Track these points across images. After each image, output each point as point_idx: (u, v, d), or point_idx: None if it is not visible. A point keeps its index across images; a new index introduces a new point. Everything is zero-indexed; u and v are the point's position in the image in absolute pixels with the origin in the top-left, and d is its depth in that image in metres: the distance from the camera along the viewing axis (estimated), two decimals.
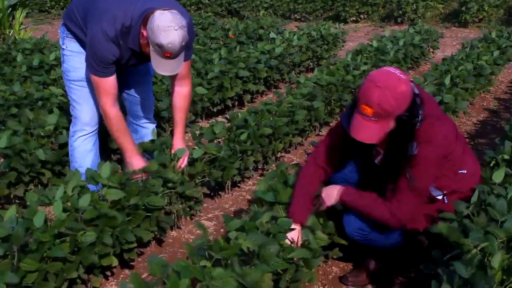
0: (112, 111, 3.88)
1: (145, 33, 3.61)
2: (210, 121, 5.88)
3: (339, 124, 3.27)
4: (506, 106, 6.92)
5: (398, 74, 2.84)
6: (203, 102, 6.04)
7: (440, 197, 3.15)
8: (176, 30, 3.49)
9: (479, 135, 6.00)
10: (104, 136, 4.36)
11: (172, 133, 5.66)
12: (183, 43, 3.55)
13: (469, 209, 2.92)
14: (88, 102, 4.12)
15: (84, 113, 4.14)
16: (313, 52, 8.36)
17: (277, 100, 5.51)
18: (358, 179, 3.48)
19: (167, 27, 3.48)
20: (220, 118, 6.12)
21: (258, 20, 10.13)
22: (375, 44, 7.72)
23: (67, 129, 4.47)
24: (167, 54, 3.55)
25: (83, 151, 4.19)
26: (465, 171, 3.16)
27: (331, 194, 3.27)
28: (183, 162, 4.12)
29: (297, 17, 13.12)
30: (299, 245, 3.23)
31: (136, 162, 3.98)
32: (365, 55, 7.31)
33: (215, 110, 6.45)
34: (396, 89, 2.79)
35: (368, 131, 2.88)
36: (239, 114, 4.99)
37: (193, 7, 13.95)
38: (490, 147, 5.02)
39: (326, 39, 8.70)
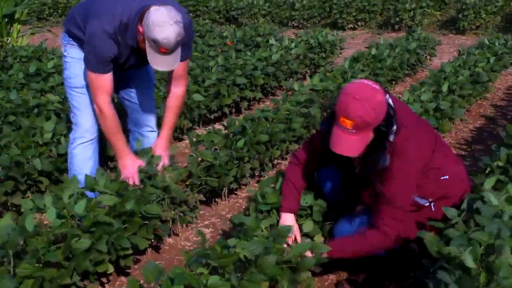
0: (108, 109, 3.89)
1: (141, 29, 3.63)
2: (207, 128, 5.89)
3: (318, 132, 3.35)
4: (503, 112, 6.94)
5: (372, 85, 2.87)
6: (200, 109, 6.05)
7: (426, 204, 3.17)
8: (171, 25, 3.50)
9: (476, 141, 6.01)
10: (102, 143, 4.35)
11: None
12: (178, 38, 3.57)
13: (461, 216, 2.92)
14: (88, 109, 4.11)
15: (84, 120, 4.13)
16: (310, 60, 8.38)
17: (274, 107, 5.52)
18: (339, 183, 3.51)
19: (162, 22, 3.50)
20: (217, 125, 6.13)
21: (256, 27, 10.14)
22: (372, 51, 7.73)
23: (65, 135, 4.48)
24: (163, 49, 3.56)
25: (83, 158, 4.16)
26: (447, 177, 3.17)
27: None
28: (165, 161, 4.17)
29: (295, 24, 13.14)
30: (298, 237, 3.29)
31: (128, 161, 3.99)
32: (362, 62, 7.32)
33: (212, 117, 6.46)
34: (374, 99, 2.82)
35: (348, 144, 2.89)
36: (236, 121, 4.99)
37: (191, 14, 13.97)
38: (487, 154, 5.03)
39: (323, 46, 8.72)
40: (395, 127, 2.96)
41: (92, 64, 3.79)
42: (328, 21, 13.14)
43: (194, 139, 4.59)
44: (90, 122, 4.13)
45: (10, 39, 10.07)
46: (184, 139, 6.00)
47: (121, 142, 4.01)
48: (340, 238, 3.29)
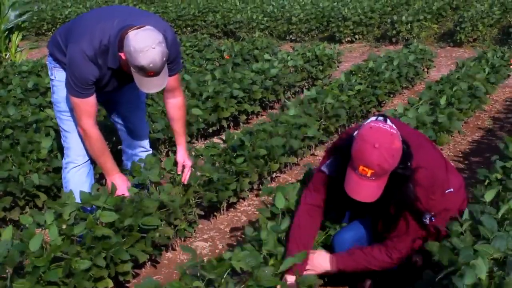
0: (93, 131, 3.82)
1: (123, 56, 3.53)
2: (205, 142, 5.90)
3: (320, 173, 3.27)
4: (501, 125, 6.95)
5: (389, 130, 2.83)
6: (198, 123, 6.06)
7: (429, 217, 3.16)
8: (153, 48, 3.41)
9: (474, 154, 6.02)
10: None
11: (168, 154, 5.70)
12: (164, 59, 3.48)
13: (462, 227, 2.92)
14: (79, 132, 4.01)
15: (76, 143, 4.04)
16: (308, 73, 8.40)
17: (272, 121, 5.52)
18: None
19: (144, 47, 3.40)
20: (215, 139, 6.13)
21: (253, 41, 10.17)
22: (370, 64, 7.75)
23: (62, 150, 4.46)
24: (150, 73, 3.48)
25: (77, 182, 4.06)
26: (452, 190, 3.17)
27: (320, 264, 3.25)
28: (186, 176, 4.17)
29: (293, 38, 13.17)
30: None
31: (117, 181, 3.90)
32: (359, 75, 7.34)
33: (210, 131, 6.46)
34: (392, 146, 2.78)
35: (368, 190, 2.85)
36: (235, 135, 5.00)
37: (189, 28, 14.01)
38: (485, 166, 5.03)
39: (320, 60, 8.74)
40: (410, 164, 2.96)
41: (74, 88, 3.70)
42: (325, 34, 13.16)
43: (193, 153, 4.59)
44: (81, 145, 4.04)
45: (8, 54, 10.10)
46: None
47: (109, 163, 3.94)
48: (348, 251, 3.28)
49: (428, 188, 3.00)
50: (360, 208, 3.29)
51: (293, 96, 7.90)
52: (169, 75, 3.82)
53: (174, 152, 4.46)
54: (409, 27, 12.05)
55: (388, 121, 2.94)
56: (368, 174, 2.79)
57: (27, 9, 10.97)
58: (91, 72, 3.66)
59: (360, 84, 6.90)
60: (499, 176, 3.74)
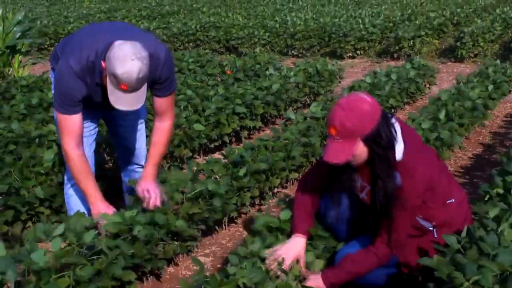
0: (75, 152, 3.68)
1: (103, 64, 3.45)
2: (207, 157, 5.91)
3: (319, 161, 3.42)
4: (502, 140, 6.96)
5: (364, 96, 2.94)
6: (200, 138, 6.07)
7: (430, 228, 3.18)
8: (132, 60, 3.31)
9: (475, 169, 6.02)
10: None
11: (169, 168, 5.70)
12: (140, 75, 3.35)
13: (460, 243, 2.93)
14: None
15: None
16: (310, 88, 8.42)
17: (274, 136, 5.54)
18: (350, 216, 3.52)
19: (123, 56, 3.31)
20: (217, 155, 6.14)
21: (255, 56, 10.20)
22: (369, 79, 7.78)
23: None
24: (123, 86, 3.35)
25: (79, 197, 4.04)
26: (453, 200, 3.20)
27: (317, 286, 3.27)
28: (155, 201, 3.87)
29: (294, 53, 13.21)
30: (302, 265, 3.29)
31: (101, 209, 3.76)
32: (360, 90, 7.36)
33: (212, 146, 6.48)
34: (358, 108, 2.89)
35: (334, 151, 2.95)
36: (236, 150, 5.02)
37: (191, 44, 14.06)
38: (486, 181, 5.04)
39: (322, 75, 8.77)
40: (401, 146, 3.01)
41: (59, 104, 3.62)
42: (327, 50, 13.21)
43: (194, 168, 4.60)
44: None
45: (11, 69, 10.15)
46: (184, 168, 6.01)
47: (91, 189, 3.79)
48: (337, 265, 3.29)
49: (418, 182, 3.02)
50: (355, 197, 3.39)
51: (295, 111, 7.92)
52: (161, 96, 3.82)
53: (177, 167, 4.47)
54: (410, 42, 12.08)
55: (394, 118, 3.07)
56: (334, 134, 2.91)
57: (31, 25, 11.04)
58: (77, 88, 3.57)
59: None
60: (500, 191, 3.75)
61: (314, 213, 3.57)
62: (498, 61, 8.90)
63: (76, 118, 3.65)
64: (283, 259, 3.26)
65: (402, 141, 3.04)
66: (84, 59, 3.53)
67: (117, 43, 3.40)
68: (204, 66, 9.82)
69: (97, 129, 4.17)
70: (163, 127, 3.97)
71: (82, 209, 3.98)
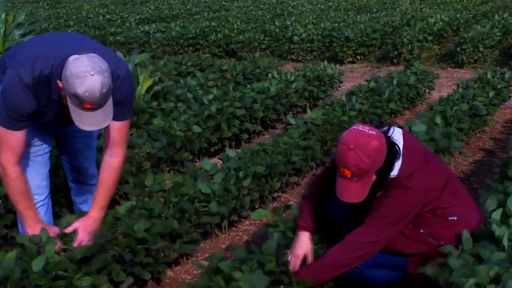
0: (14, 170, 3.34)
1: (60, 84, 3.11)
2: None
3: (332, 163, 3.39)
4: (502, 146, 6.95)
5: (367, 131, 2.94)
6: (200, 141, 6.06)
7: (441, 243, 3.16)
8: (92, 75, 2.96)
9: (475, 175, 6.02)
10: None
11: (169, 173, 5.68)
12: (104, 90, 3.01)
13: (459, 248, 2.93)
14: (32, 170, 3.68)
15: (31, 179, 3.61)
16: (309, 93, 8.42)
17: (273, 140, 5.54)
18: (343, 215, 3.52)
19: (82, 72, 2.96)
20: (216, 159, 6.13)
21: (255, 61, 10.20)
22: (371, 84, 7.78)
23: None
24: (86, 105, 3.01)
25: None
26: (455, 218, 3.17)
27: None
28: (79, 242, 3.43)
29: (294, 58, 13.21)
30: (310, 258, 3.28)
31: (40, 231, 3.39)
32: (360, 95, 7.36)
33: (212, 150, 6.47)
34: (368, 147, 2.89)
35: (352, 191, 2.98)
36: (234, 153, 5.03)
37: (191, 48, 14.05)
38: (486, 187, 5.03)
39: (322, 80, 8.76)
40: (399, 163, 3.02)
41: (4, 117, 3.24)
42: (327, 54, 13.21)
43: (193, 172, 4.60)
44: (36, 182, 3.69)
45: None
46: (183, 171, 5.99)
47: (30, 209, 3.46)
48: (315, 263, 3.28)
49: (409, 198, 3.05)
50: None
51: (295, 115, 7.92)
52: (116, 120, 3.34)
53: (177, 171, 4.44)
54: (410, 48, 12.09)
55: (394, 131, 3.09)
56: (349, 175, 2.92)
57: (31, 28, 11.04)
58: (26, 103, 3.24)
59: (362, 104, 6.92)
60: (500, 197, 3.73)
61: (322, 208, 3.51)
62: (498, 68, 8.90)
63: (20, 134, 3.32)
64: (288, 261, 3.24)
65: (401, 158, 3.05)
66: (37, 71, 3.19)
67: (72, 58, 3.05)
68: (205, 70, 9.81)
69: (51, 147, 3.85)
70: (113, 164, 3.53)
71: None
